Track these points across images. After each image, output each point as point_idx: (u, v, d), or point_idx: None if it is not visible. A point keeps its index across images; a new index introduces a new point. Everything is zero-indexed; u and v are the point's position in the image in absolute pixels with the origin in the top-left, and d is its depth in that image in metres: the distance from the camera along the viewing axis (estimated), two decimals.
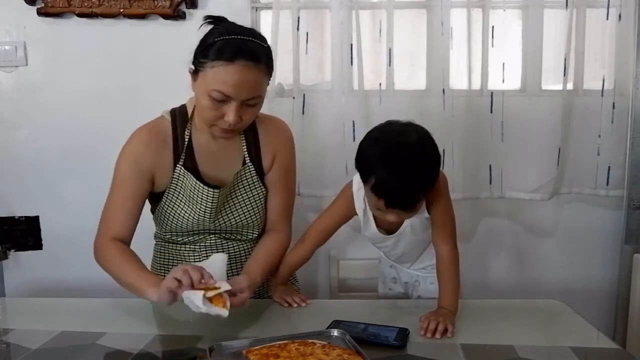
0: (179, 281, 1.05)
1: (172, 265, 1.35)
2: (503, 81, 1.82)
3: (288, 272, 1.36)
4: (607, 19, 1.78)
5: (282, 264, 1.34)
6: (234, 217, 1.31)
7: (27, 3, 1.82)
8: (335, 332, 1.03)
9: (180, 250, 1.35)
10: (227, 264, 1.22)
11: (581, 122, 1.83)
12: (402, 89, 1.86)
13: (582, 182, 1.86)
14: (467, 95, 1.80)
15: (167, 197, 1.29)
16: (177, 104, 1.36)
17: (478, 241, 1.97)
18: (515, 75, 1.86)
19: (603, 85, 1.81)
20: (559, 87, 1.79)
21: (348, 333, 1.01)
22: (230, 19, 1.24)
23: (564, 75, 1.77)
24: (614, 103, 1.79)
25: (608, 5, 1.76)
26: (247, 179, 1.32)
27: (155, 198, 1.32)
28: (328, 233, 1.34)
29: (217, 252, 1.32)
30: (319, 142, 1.83)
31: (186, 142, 1.28)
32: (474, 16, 1.77)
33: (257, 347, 0.96)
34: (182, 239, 1.33)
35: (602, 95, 1.81)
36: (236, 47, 1.12)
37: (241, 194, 1.31)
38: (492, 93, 1.81)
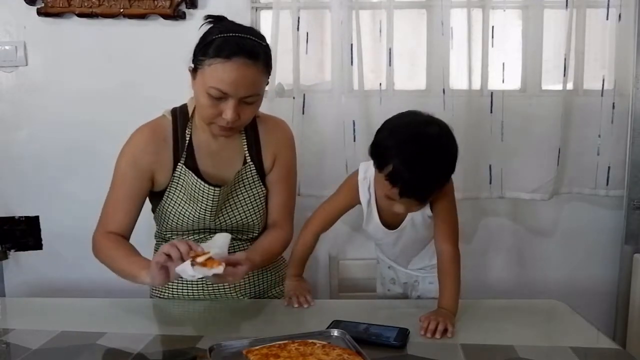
0: (168, 255, 1.06)
1: (171, 281, 1.35)
2: (503, 81, 1.82)
3: (298, 263, 1.35)
4: (607, 19, 1.78)
5: (290, 257, 1.35)
6: (234, 216, 1.31)
7: (27, 3, 1.82)
8: (335, 332, 1.03)
9: None
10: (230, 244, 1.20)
11: (581, 122, 1.83)
12: (402, 89, 1.86)
13: (582, 182, 1.86)
14: (467, 95, 1.80)
15: (167, 196, 1.30)
16: (177, 104, 1.36)
17: (478, 241, 1.97)
18: (515, 75, 1.86)
19: (603, 85, 1.81)
20: (559, 87, 1.79)
21: (348, 333, 1.01)
22: (230, 18, 1.24)
23: (564, 75, 1.77)
24: (614, 103, 1.79)
25: (608, 5, 1.76)
26: (247, 178, 1.32)
27: (156, 197, 1.32)
28: (331, 221, 1.35)
29: None
30: (319, 142, 1.83)
31: (187, 141, 1.29)
32: (474, 16, 1.77)
33: (257, 347, 0.96)
34: (183, 238, 1.33)
35: (602, 95, 1.81)
36: (234, 45, 1.13)
37: (241, 193, 1.32)
38: (492, 93, 1.81)
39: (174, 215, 1.30)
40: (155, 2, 1.80)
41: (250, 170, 1.32)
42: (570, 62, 1.77)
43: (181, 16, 1.82)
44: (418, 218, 1.26)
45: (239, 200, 1.32)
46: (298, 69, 1.80)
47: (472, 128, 1.81)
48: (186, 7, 1.82)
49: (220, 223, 1.31)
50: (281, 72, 1.79)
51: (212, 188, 1.25)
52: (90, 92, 1.87)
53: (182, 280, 1.35)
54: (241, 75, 1.13)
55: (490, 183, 1.85)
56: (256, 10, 1.89)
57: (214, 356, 0.95)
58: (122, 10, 1.81)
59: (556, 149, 1.80)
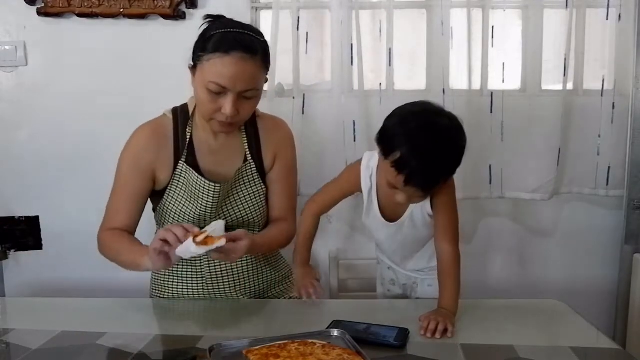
0: (165, 241, 1.07)
1: (174, 265, 1.35)
2: (503, 81, 1.82)
3: (303, 247, 1.35)
4: (607, 19, 1.78)
5: (297, 239, 1.36)
6: (235, 213, 1.32)
7: (27, 3, 1.82)
8: (335, 332, 1.03)
9: None
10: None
11: (581, 122, 1.83)
12: (402, 89, 1.86)
13: (582, 182, 1.86)
14: (467, 95, 1.80)
15: (168, 194, 1.31)
16: (177, 104, 1.37)
17: (478, 241, 1.97)
18: (515, 75, 1.86)
19: (603, 85, 1.81)
20: (559, 87, 1.79)
21: (348, 333, 1.01)
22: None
23: (564, 75, 1.77)
24: (614, 103, 1.79)
25: (608, 5, 1.76)
26: (247, 176, 1.33)
27: (157, 195, 1.33)
28: (330, 203, 1.36)
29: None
30: (319, 142, 1.83)
31: (187, 139, 1.30)
32: (474, 16, 1.77)
33: (257, 347, 0.96)
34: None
35: (602, 95, 1.81)
36: (232, 40, 1.15)
37: (242, 191, 1.33)
38: (492, 93, 1.81)
39: (175, 213, 1.30)
40: (155, 2, 1.80)
41: (251, 168, 1.33)
42: (570, 62, 1.77)
43: (181, 16, 1.82)
44: (418, 214, 1.26)
45: (239, 198, 1.32)
46: (298, 69, 1.80)
47: (472, 128, 1.80)
48: (186, 7, 1.82)
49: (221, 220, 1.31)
50: (281, 72, 1.79)
51: (213, 184, 1.26)
52: (90, 92, 1.87)
53: (182, 280, 1.35)
54: (240, 70, 1.15)
55: (491, 183, 1.85)
56: (256, 10, 1.89)
57: (214, 356, 0.95)
58: (122, 10, 1.81)
59: (556, 149, 1.80)
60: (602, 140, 1.81)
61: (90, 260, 1.90)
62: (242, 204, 1.33)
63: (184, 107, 1.34)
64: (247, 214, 1.33)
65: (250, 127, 1.36)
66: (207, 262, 1.34)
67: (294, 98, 1.80)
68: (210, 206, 1.28)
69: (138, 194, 1.30)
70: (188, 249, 1.05)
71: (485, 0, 1.76)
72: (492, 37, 1.78)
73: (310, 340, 0.98)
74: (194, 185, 1.27)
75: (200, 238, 1.05)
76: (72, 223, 1.93)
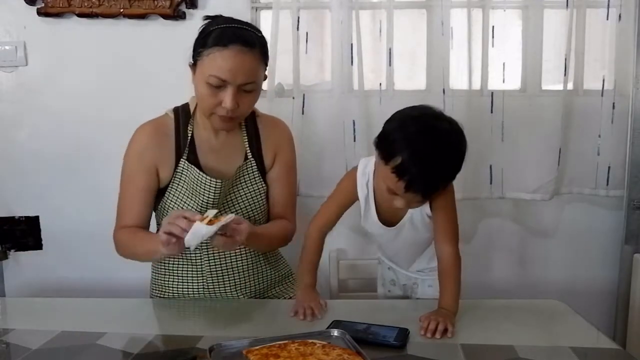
0: (172, 234, 1.08)
1: (173, 264, 1.36)
2: (503, 81, 1.82)
3: (308, 268, 1.29)
4: (607, 19, 1.78)
5: (299, 263, 1.31)
6: (236, 211, 1.32)
7: (27, 3, 1.82)
8: (335, 332, 1.03)
9: None
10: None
11: (581, 122, 1.82)
12: (402, 89, 1.86)
13: (583, 182, 1.85)
14: (467, 95, 1.80)
15: (170, 192, 1.32)
16: (177, 104, 1.38)
17: (478, 241, 1.96)
18: (515, 75, 1.86)
19: (603, 85, 1.81)
20: (559, 87, 1.79)
21: (348, 333, 1.01)
22: None
23: (564, 75, 1.76)
24: (614, 103, 1.79)
25: (608, 5, 1.76)
26: (248, 174, 1.35)
27: (159, 194, 1.34)
28: (333, 218, 1.31)
29: (219, 250, 1.33)
30: (318, 142, 1.83)
31: (189, 138, 1.32)
32: (474, 16, 1.77)
33: (257, 347, 0.96)
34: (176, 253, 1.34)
35: (602, 95, 1.80)
36: (231, 34, 1.18)
37: (242, 188, 1.34)
38: (492, 93, 1.81)
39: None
40: (155, 2, 1.80)
41: (251, 166, 1.35)
42: (570, 62, 1.76)
43: (181, 16, 1.82)
44: (417, 216, 1.25)
45: (240, 196, 1.33)
46: (298, 69, 1.80)
47: (472, 128, 1.80)
48: (186, 7, 1.82)
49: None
50: (281, 72, 1.79)
51: (214, 180, 1.27)
52: (90, 92, 1.87)
53: (182, 280, 1.36)
54: (238, 62, 1.17)
55: (491, 183, 1.85)
56: (256, 10, 1.89)
57: (214, 356, 0.95)
58: (122, 10, 1.81)
59: (557, 149, 1.80)
60: (602, 140, 1.81)
61: (90, 260, 1.92)
62: (242, 201, 1.33)
63: (185, 106, 1.36)
64: (247, 212, 1.34)
65: (251, 126, 1.38)
66: (207, 262, 1.34)
67: (293, 98, 1.80)
68: (212, 204, 1.29)
69: (146, 190, 1.31)
70: (198, 231, 1.05)
71: (485, 0, 1.76)
72: (492, 37, 1.78)
73: (310, 340, 0.98)
74: (196, 182, 1.28)
75: (205, 221, 1.06)
76: (72, 223, 1.93)
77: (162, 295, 1.38)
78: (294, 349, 0.94)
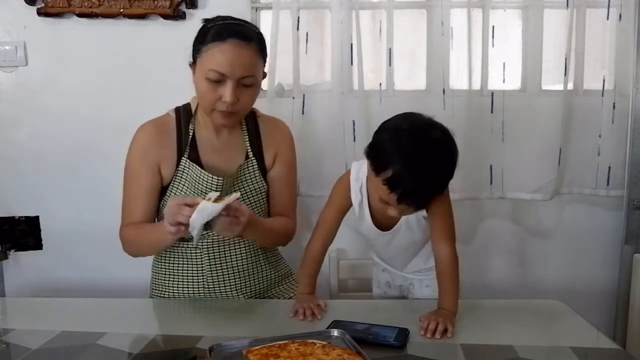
0: (181, 223, 1.08)
1: (174, 264, 1.37)
2: (503, 81, 1.82)
3: (308, 278, 1.28)
4: (608, 19, 1.77)
5: (299, 269, 1.30)
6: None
7: (27, 3, 1.82)
8: (335, 332, 1.03)
9: (183, 247, 1.36)
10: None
11: (581, 122, 1.82)
12: (402, 89, 1.86)
13: (583, 182, 1.85)
14: (467, 95, 1.79)
15: (171, 190, 1.32)
16: (177, 103, 1.38)
17: (478, 242, 1.96)
18: (515, 75, 1.86)
19: (603, 85, 1.81)
20: (559, 87, 1.79)
21: (348, 333, 1.01)
22: None
23: (564, 75, 1.76)
24: (614, 103, 1.79)
25: (608, 5, 1.76)
26: (249, 173, 1.35)
27: (161, 192, 1.34)
28: (333, 227, 1.29)
29: (220, 250, 1.33)
30: (318, 143, 1.83)
31: (190, 136, 1.33)
32: (474, 16, 1.77)
33: (257, 347, 0.96)
34: (186, 235, 1.34)
35: (602, 95, 1.80)
36: (228, 29, 1.21)
37: (243, 187, 1.35)
38: (492, 93, 1.80)
39: None
40: (155, 2, 1.80)
41: (252, 165, 1.36)
42: (570, 62, 1.76)
43: (181, 16, 1.82)
44: (412, 219, 1.24)
45: (241, 194, 1.33)
46: (298, 69, 1.79)
47: (472, 128, 1.81)
48: (186, 7, 1.82)
49: None
50: (281, 72, 1.79)
51: (216, 178, 1.28)
52: (90, 92, 1.87)
53: (182, 280, 1.36)
54: (237, 55, 1.19)
55: (491, 183, 1.85)
56: (256, 10, 1.89)
57: (214, 356, 0.95)
58: (122, 10, 1.81)
59: (557, 149, 1.79)
60: (602, 141, 1.81)
61: (90, 260, 1.92)
62: (243, 200, 1.34)
63: (187, 106, 1.37)
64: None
65: (252, 126, 1.39)
66: (207, 262, 1.34)
67: (293, 98, 1.80)
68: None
69: (150, 188, 1.32)
70: (205, 210, 1.06)
71: (485, 0, 1.76)
72: (492, 37, 1.78)
73: (310, 340, 0.98)
74: (197, 180, 1.29)
75: (210, 202, 1.07)
76: (72, 223, 1.93)
77: (162, 295, 1.38)
78: (294, 349, 0.94)
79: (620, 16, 1.76)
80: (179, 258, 1.36)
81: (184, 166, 1.31)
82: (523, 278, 1.97)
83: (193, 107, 1.35)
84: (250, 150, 1.36)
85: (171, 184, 1.32)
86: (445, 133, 1.10)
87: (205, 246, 1.34)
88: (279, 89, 1.82)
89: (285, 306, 1.23)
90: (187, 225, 1.08)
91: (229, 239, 1.35)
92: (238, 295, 1.35)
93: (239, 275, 1.36)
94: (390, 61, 1.78)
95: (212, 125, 1.33)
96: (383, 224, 1.26)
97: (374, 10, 1.84)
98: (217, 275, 1.34)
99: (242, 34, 1.21)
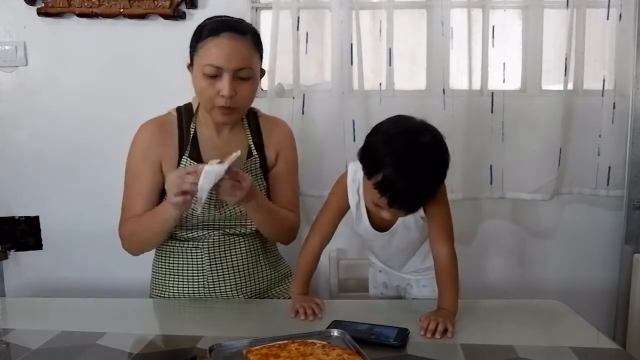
0: (186, 192, 1.10)
1: (174, 264, 1.37)
2: (503, 81, 1.82)
3: (302, 279, 1.27)
4: (608, 19, 1.77)
5: (296, 270, 1.30)
6: (238, 208, 1.32)
7: (27, 3, 1.82)
8: (335, 332, 1.03)
9: (183, 247, 1.36)
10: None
11: (581, 122, 1.82)
12: (402, 89, 1.86)
13: (583, 182, 1.85)
14: (467, 95, 1.79)
15: None
16: (178, 103, 1.39)
17: (478, 242, 1.96)
18: (515, 75, 1.86)
19: (603, 85, 1.81)
20: (560, 87, 1.79)
21: (348, 333, 1.01)
22: None
23: (564, 75, 1.76)
24: (614, 103, 1.79)
25: (608, 5, 1.76)
26: (251, 170, 1.36)
27: (161, 192, 1.34)
28: (330, 229, 1.28)
29: (220, 250, 1.34)
30: (318, 142, 1.83)
31: (191, 135, 1.33)
32: (474, 16, 1.77)
33: (257, 347, 0.96)
34: (187, 235, 1.34)
35: (602, 95, 1.80)
36: (222, 24, 1.23)
37: None
38: (492, 93, 1.80)
39: None
40: (155, 2, 1.80)
41: (255, 163, 1.36)
42: (570, 62, 1.76)
43: (181, 16, 1.82)
44: (410, 219, 1.23)
45: None
46: (298, 69, 1.79)
47: (472, 128, 1.81)
48: (186, 7, 1.82)
49: (224, 213, 1.32)
50: (281, 72, 1.79)
51: None
52: (90, 92, 1.87)
53: (182, 280, 1.36)
54: (231, 47, 1.21)
55: (491, 183, 1.85)
56: (256, 10, 1.89)
57: (214, 356, 0.95)
58: (122, 10, 1.81)
59: (557, 149, 1.79)
60: (602, 141, 1.81)
61: (89, 260, 1.92)
62: None
63: (188, 105, 1.38)
64: None
65: (253, 125, 1.39)
66: (207, 262, 1.34)
67: (293, 98, 1.80)
68: (214, 199, 1.29)
69: (151, 186, 1.32)
70: (211, 173, 1.07)
71: (485, 0, 1.76)
72: (492, 37, 1.78)
73: (310, 340, 0.98)
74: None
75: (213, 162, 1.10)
76: (72, 223, 1.93)
77: (162, 295, 1.38)
78: (294, 349, 0.94)
79: (620, 16, 1.76)
80: (179, 258, 1.36)
81: (185, 165, 1.31)
82: (523, 278, 1.97)
83: (194, 106, 1.36)
84: (253, 147, 1.36)
85: None
86: (436, 136, 1.10)
87: (206, 246, 1.34)
88: (279, 89, 1.82)
89: (285, 306, 1.23)
90: (192, 194, 1.09)
91: (232, 236, 1.35)
92: (238, 295, 1.35)
93: (239, 275, 1.36)
94: (390, 61, 1.78)
95: (213, 124, 1.34)
96: (380, 225, 1.26)
97: (374, 10, 1.84)
98: (217, 275, 1.34)
99: (236, 28, 1.23)
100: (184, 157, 1.31)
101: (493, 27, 1.78)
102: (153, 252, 1.42)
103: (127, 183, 1.34)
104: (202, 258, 1.34)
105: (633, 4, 1.75)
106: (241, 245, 1.36)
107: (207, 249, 1.34)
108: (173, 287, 1.36)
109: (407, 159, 1.05)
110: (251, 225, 1.36)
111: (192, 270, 1.35)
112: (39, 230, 1.96)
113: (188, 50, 1.28)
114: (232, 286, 1.35)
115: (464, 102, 1.79)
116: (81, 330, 1.10)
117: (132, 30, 1.84)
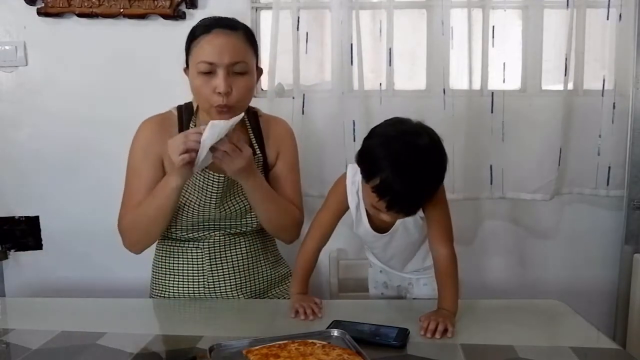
0: (190, 150, 1.11)
1: (174, 264, 1.37)
2: (503, 81, 1.82)
3: (300, 279, 1.27)
4: (608, 19, 1.78)
5: (294, 270, 1.30)
6: (238, 203, 1.33)
7: (27, 3, 1.82)
8: (335, 332, 1.03)
9: (183, 247, 1.36)
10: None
11: (581, 122, 1.82)
12: (402, 89, 1.86)
13: (583, 182, 1.85)
14: (467, 95, 1.80)
15: None
16: (177, 103, 1.38)
17: (479, 242, 1.96)
18: (515, 75, 1.86)
19: (603, 85, 1.81)
20: (560, 87, 1.79)
21: (348, 333, 1.01)
22: None
23: (565, 75, 1.76)
24: (614, 103, 1.79)
25: (608, 5, 1.76)
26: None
27: None
28: (327, 231, 1.28)
29: (220, 250, 1.33)
30: (319, 142, 1.83)
31: None
32: (474, 16, 1.77)
33: (257, 347, 0.96)
34: (187, 235, 1.34)
35: (602, 95, 1.80)
36: (213, 21, 1.24)
37: None
38: (492, 93, 1.81)
39: (180, 207, 1.31)
40: (155, 2, 1.80)
41: (258, 162, 1.35)
42: (570, 62, 1.76)
43: (181, 16, 1.82)
44: (409, 220, 1.23)
45: (243, 192, 1.32)
46: (298, 69, 1.79)
47: (472, 128, 1.81)
48: (186, 7, 1.82)
49: (224, 212, 1.32)
50: (281, 72, 1.79)
51: (218, 176, 1.28)
52: (90, 92, 1.87)
53: (182, 280, 1.36)
54: (223, 42, 1.21)
55: (491, 183, 1.85)
56: (256, 10, 1.89)
57: (214, 356, 0.95)
58: (122, 10, 1.81)
59: (557, 149, 1.80)
60: (602, 141, 1.81)
61: (90, 260, 1.92)
62: (245, 196, 1.33)
63: (188, 104, 1.38)
64: (250, 207, 1.34)
65: (254, 124, 1.39)
66: (207, 262, 1.34)
67: (293, 98, 1.80)
68: (215, 198, 1.29)
69: (151, 183, 1.31)
70: (216, 127, 1.09)
71: (485, 0, 1.76)
72: (492, 37, 1.78)
73: (310, 340, 0.98)
74: (199, 177, 1.29)
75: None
76: (72, 223, 1.93)
77: (162, 295, 1.38)
78: (294, 349, 0.94)
79: (620, 16, 1.76)
80: (179, 258, 1.36)
81: None
82: (523, 278, 1.97)
83: (195, 105, 1.36)
84: (256, 146, 1.36)
85: None
86: (434, 138, 1.10)
87: (206, 246, 1.34)
88: (279, 89, 1.82)
89: (285, 306, 1.23)
90: (195, 153, 1.10)
91: (232, 236, 1.35)
92: (238, 295, 1.35)
93: (239, 275, 1.36)
94: (390, 61, 1.78)
95: None
96: (380, 226, 1.26)
97: (374, 10, 1.84)
98: (217, 275, 1.34)
99: (227, 24, 1.24)
100: None
101: (493, 27, 1.78)
102: (153, 252, 1.42)
103: (128, 179, 1.34)
104: (202, 258, 1.34)
105: (633, 4, 1.75)
106: (241, 245, 1.36)
107: (207, 249, 1.34)
108: (173, 287, 1.36)
109: (404, 162, 1.05)
110: (251, 223, 1.36)
111: (192, 270, 1.35)
112: (39, 230, 1.96)
113: (182, 54, 1.28)
114: (232, 286, 1.35)
115: (464, 102, 1.79)
116: (81, 330, 1.10)
117: (132, 30, 1.84)
